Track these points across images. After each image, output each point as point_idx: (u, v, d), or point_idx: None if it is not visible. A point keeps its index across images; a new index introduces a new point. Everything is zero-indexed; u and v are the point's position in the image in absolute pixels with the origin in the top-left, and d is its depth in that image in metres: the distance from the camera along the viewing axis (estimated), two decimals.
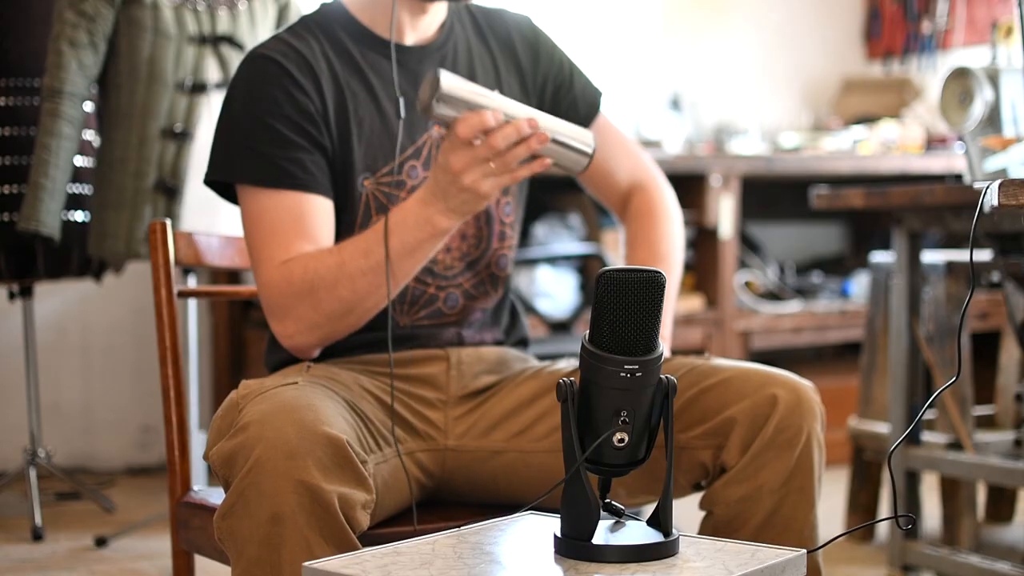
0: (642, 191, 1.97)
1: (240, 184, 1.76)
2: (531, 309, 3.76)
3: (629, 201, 1.97)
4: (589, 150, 1.66)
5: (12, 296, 3.43)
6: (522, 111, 1.61)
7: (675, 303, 1.97)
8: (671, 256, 1.91)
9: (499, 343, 1.90)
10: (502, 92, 1.87)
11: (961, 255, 2.99)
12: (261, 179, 1.73)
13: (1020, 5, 2.05)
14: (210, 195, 1.84)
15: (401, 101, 1.80)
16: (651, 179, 1.98)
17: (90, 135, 3.22)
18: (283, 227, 1.73)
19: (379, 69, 1.82)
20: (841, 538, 2.51)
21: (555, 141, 1.63)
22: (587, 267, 4.00)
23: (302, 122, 1.74)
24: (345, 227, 1.79)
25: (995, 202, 1.81)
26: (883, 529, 3.25)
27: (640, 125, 4.61)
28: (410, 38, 1.85)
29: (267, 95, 1.75)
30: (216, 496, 1.73)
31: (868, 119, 4.94)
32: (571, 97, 1.95)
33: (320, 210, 1.75)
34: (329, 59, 1.80)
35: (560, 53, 1.97)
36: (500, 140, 1.58)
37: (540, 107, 1.92)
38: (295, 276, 1.70)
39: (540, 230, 4.05)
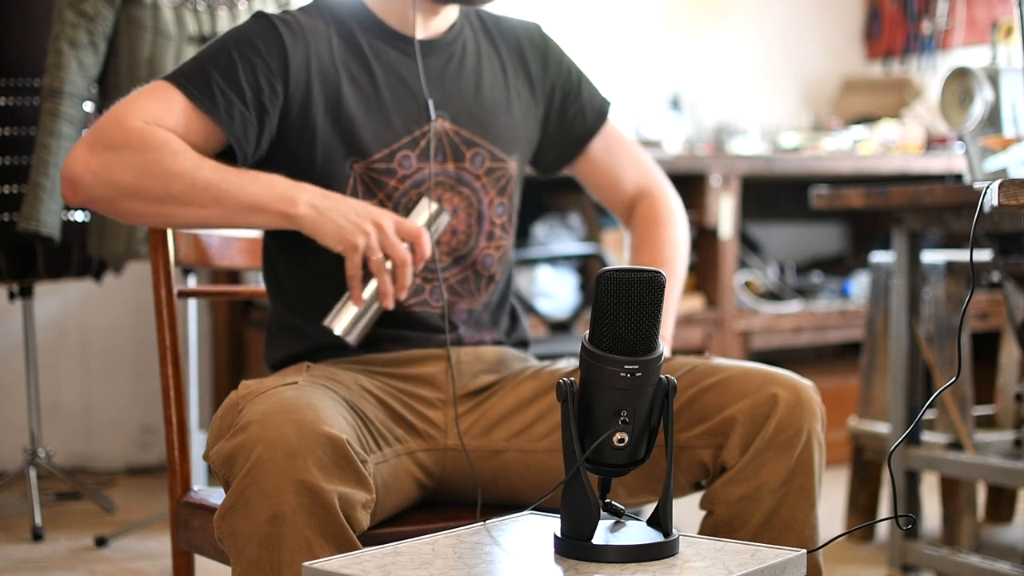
0: (647, 197, 1.99)
1: (172, 83, 1.72)
2: (531, 309, 3.76)
3: (635, 207, 1.99)
4: (342, 333, 1.71)
5: (12, 296, 3.43)
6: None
7: (677, 307, 1.98)
8: (674, 261, 1.93)
9: (498, 344, 1.90)
10: (509, 96, 1.91)
11: (961, 255, 2.99)
12: (190, 91, 1.71)
13: (1020, 5, 2.06)
14: None
15: (408, 94, 1.80)
16: (656, 186, 2.01)
17: None
18: (171, 117, 1.70)
19: (384, 58, 1.83)
20: (841, 538, 2.51)
21: (378, 312, 1.72)
22: (587, 267, 4.00)
23: (261, 77, 1.74)
24: None
25: (995, 202, 1.81)
26: (883, 529, 3.25)
27: (640, 125, 4.61)
28: (420, 34, 1.87)
29: (247, 39, 1.76)
30: (216, 496, 1.73)
31: (868, 119, 4.94)
32: (579, 105, 1.97)
33: (209, 146, 1.73)
34: (332, 42, 1.80)
35: (569, 61, 1.99)
36: (402, 258, 1.67)
37: (548, 112, 1.97)
38: (158, 137, 1.67)
39: (540, 230, 4.04)
